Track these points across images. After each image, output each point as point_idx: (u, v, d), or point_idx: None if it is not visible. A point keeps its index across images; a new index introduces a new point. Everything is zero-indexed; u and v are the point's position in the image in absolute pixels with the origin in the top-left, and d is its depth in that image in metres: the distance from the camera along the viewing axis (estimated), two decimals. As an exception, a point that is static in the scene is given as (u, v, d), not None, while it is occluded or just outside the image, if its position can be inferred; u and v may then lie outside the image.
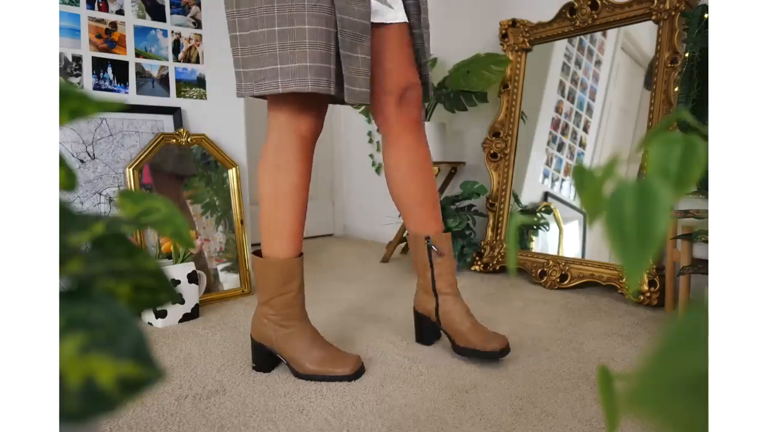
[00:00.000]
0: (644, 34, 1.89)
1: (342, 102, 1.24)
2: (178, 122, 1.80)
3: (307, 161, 1.19)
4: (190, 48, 1.85)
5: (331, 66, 1.08)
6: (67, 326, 0.19)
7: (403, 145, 1.26)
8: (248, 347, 1.33)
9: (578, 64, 2.07)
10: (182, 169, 1.77)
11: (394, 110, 1.24)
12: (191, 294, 1.56)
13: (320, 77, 1.06)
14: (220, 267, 1.81)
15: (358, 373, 1.13)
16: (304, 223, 1.20)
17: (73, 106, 0.24)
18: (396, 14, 1.20)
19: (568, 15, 2.05)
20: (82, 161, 1.62)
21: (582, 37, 2.06)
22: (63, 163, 0.25)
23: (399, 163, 1.27)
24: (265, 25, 1.07)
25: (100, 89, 1.68)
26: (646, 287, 1.70)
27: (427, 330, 1.33)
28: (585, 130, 2.03)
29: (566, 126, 2.08)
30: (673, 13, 1.78)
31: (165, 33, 1.81)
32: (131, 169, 1.66)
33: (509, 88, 2.25)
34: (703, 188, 1.43)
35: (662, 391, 0.15)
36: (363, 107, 2.54)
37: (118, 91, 1.71)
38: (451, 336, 1.24)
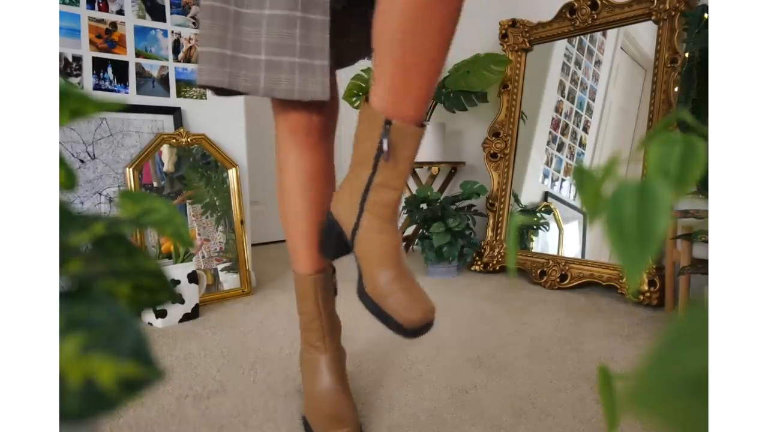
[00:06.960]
0: (644, 34, 1.89)
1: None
2: (178, 122, 1.80)
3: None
4: (190, 48, 1.85)
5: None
6: (67, 326, 0.19)
7: None
8: (248, 347, 1.33)
9: (578, 64, 2.07)
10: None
11: None
12: (191, 294, 1.56)
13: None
14: (220, 267, 1.81)
15: None
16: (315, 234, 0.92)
17: (73, 106, 0.24)
18: None
19: (568, 15, 2.05)
20: (82, 161, 1.62)
21: (582, 37, 2.06)
22: (63, 163, 0.25)
23: None
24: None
25: (100, 89, 1.68)
26: (646, 287, 1.70)
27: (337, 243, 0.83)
28: (585, 130, 2.03)
29: (566, 126, 2.08)
30: (673, 13, 1.78)
31: (165, 33, 1.81)
32: (131, 169, 1.66)
33: (509, 88, 2.24)
34: (703, 188, 1.43)
35: (662, 390, 0.15)
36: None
37: (118, 91, 1.71)
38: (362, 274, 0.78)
